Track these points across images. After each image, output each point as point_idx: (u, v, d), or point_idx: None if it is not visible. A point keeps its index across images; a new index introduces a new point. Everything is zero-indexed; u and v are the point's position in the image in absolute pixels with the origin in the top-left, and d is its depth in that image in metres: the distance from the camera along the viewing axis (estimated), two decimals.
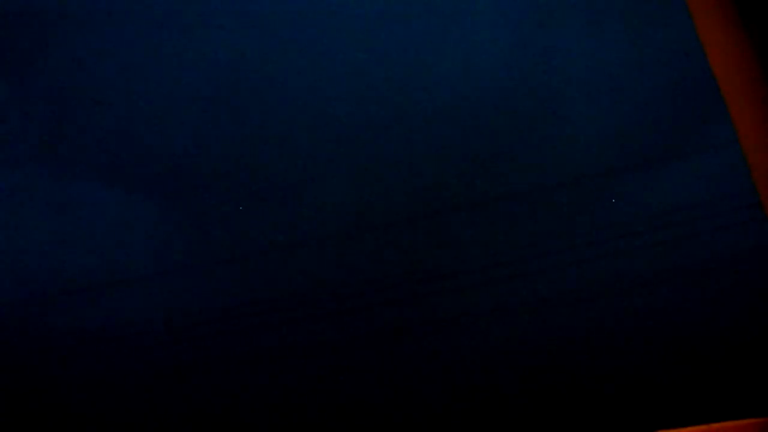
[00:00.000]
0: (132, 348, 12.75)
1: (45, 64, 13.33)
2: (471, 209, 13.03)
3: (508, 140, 13.35)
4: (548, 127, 13.27)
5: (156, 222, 13.82)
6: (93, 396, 12.55)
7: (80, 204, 13.79)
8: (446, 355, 12.07)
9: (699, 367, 10.49)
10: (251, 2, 13.44)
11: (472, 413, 11.39)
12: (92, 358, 12.79)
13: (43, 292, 13.16)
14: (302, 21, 13.52)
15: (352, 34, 13.51)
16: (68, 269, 13.41)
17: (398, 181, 13.53)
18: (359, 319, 12.50)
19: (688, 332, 11.03)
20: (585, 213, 12.38)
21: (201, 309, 12.85)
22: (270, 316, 12.72)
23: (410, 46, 13.46)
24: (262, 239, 13.39)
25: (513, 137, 13.34)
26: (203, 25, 13.46)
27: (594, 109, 13.02)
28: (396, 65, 13.54)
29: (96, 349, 12.84)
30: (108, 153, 13.87)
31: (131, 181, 13.91)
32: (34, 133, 13.69)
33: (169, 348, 12.67)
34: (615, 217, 12.12)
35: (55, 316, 13.05)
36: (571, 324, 11.76)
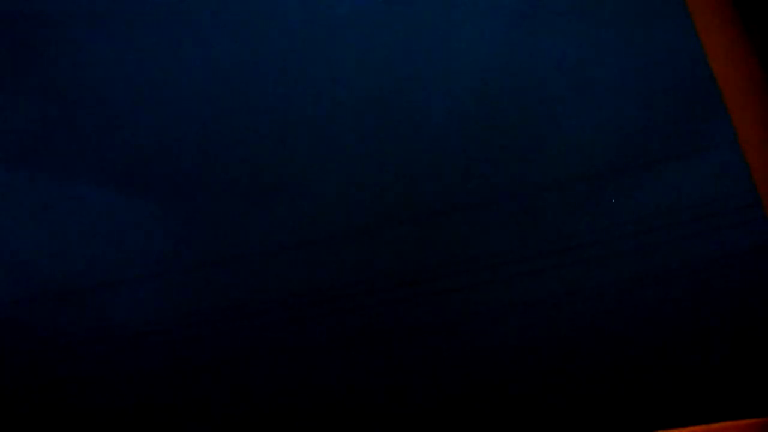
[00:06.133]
0: (131, 348, 12.74)
1: (42, 64, 13.32)
2: (470, 209, 13.02)
3: (507, 140, 13.34)
4: (547, 127, 13.27)
5: (155, 222, 13.82)
6: (93, 396, 12.55)
7: (79, 205, 13.79)
8: (446, 355, 12.06)
9: (699, 367, 10.48)
10: (252, 3, 13.44)
11: (471, 413, 11.38)
12: (92, 358, 12.78)
13: (42, 292, 13.16)
14: (301, 22, 13.51)
15: (351, 36, 13.50)
16: (67, 270, 13.41)
17: (398, 182, 13.53)
18: (359, 319, 12.49)
19: (688, 332, 11.02)
20: (584, 213, 12.38)
21: (201, 309, 12.85)
22: (270, 316, 12.72)
23: (408, 47, 13.46)
24: (262, 239, 13.38)
25: (512, 137, 13.34)
26: (203, 25, 13.45)
27: (593, 108, 13.02)
28: (394, 66, 13.54)
29: (96, 349, 12.84)
30: (107, 153, 13.87)
31: (130, 182, 13.91)
32: (32, 134, 13.68)
33: (168, 348, 12.67)
34: (614, 217, 12.11)
35: (55, 316, 13.05)
36: (571, 324, 11.76)
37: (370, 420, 11.65)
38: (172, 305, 12.87)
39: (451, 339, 12.19)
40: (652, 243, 11.72)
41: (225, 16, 13.46)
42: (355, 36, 13.47)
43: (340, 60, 13.59)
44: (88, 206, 13.79)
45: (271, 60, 13.59)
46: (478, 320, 12.13)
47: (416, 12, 13.31)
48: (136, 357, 12.69)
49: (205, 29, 13.47)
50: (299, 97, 13.73)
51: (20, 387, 12.64)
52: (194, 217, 13.90)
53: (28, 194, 13.70)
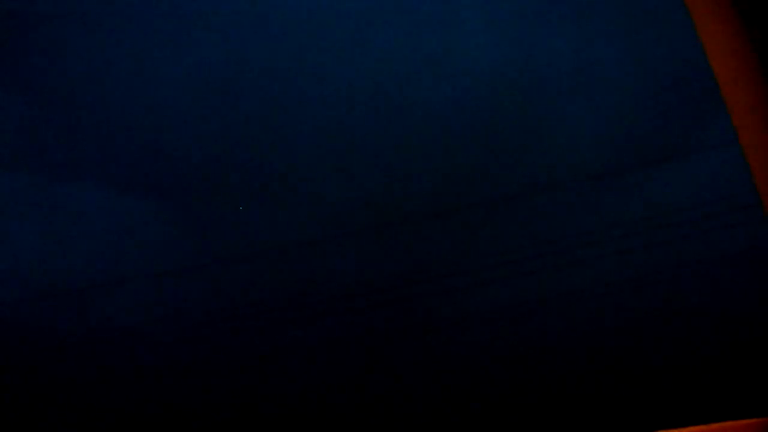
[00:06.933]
0: (131, 348, 12.74)
1: (39, 63, 13.32)
2: (470, 210, 13.03)
3: (506, 140, 13.35)
4: (546, 127, 13.27)
5: (155, 222, 13.82)
6: (92, 396, 12.55)
7: (79, 205, 13.79)
8: (445, 356, 12.07)
9: (699, 367, 10.48)
10: (250, 3, 13.43)
11: (470, 413, 11.38)
12: (91, 358, 12.78)
13: (43, 293, 13.16)
14: (299, 22, 13.51)
15: (350, 33, 13.50)
16: (67, 270, 13.41)
17: (397, 182, 13.53)
18: (358, 320, 12.49)
19: (687, 332, 11.03)
20: (584, 213, 12.38)
21: (201, 310, 12.85)
22: (270, 317, 12.72)
23: (406, 46, 13.46)
24: (263, 239, 13.39)
25: (511, 137, 13.34)
26: (202, 25, 13.45)
27: (593, 108, 13.02)
28: (393, 66, 13.54)
29: (95, 349, 12.83)
30: (106, 153, 13.87)
31: (130, 182, 13.91)
32: (31, 134, 13.68)
33: (169, 349, 12.67)
34: (614, 217, 12.12)
35: (55, 316, 13.05)
36: (569, 324, 11.76)
37: (369, 421, 11.65)
38: (172, 305, 12.87)
39: (451, 339, 12.19)
40: (652, 243, 11.72)
41: (223, 14, 13.46)
42: (355, 33, 13.47)
43: (339, 58, 13.59)
44: (88, 206, 13.80)
45: (271, 58, 13.59)
46: (478, 320, 12.13)
47: (415, 10, 13.31)
48: (135, 357, 12.69)
49: (204, 28, 13.46)
50: (299, 96, 13.74)
51: (20, 387, 12.64)
52: (194, 217, 13.90)
53: (28, 194, 13.70)
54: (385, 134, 13.67)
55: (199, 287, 13.14)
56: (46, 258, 13.49)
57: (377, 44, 13.48)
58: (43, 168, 13.75)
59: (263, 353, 12.49)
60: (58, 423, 12.38)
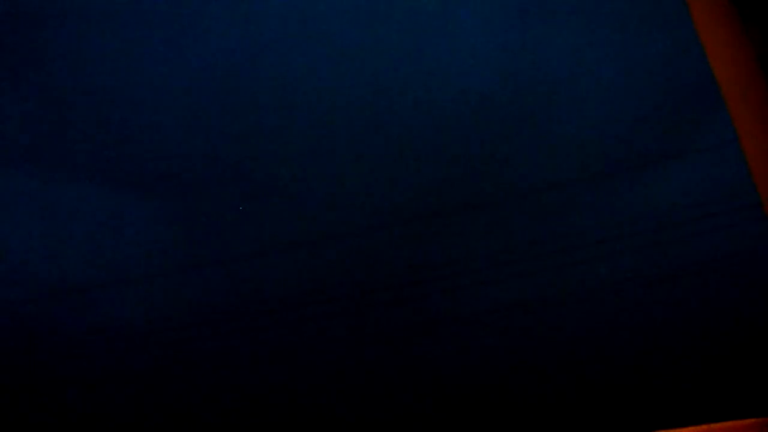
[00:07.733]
0: (129, 348, 12.74)
1: (38, 64, 13.32)
2: (470, 209, 13.03)
3: (507, 140, 13.35)
4: (547, 127, 13.27)
5: (153, 222, 13.82)
6: (91, 396, 12.55)
7: (79, 205, 13.79)
8: (445, 355, 12.06)
9: (699, 367, 10.49)
10: (247, 2, 13.44)
11: (470, 412, 11.38)
12: (91, 359, 12.78)
13: (41, 293, 13.16)
14: (297, 21, 13.52)
15: (351, 35, 13.51)
16: (67, 270, 13.41)
17: (397, 181, 13.53)
18: (358, 320, 12.49)
19: (688, 332, 11.03)
20: (584, 213, 12.38)
21: (199, 309, 12.84)
22: (268, 317, 12.72)
23: (407, 46, 13.46)
24: (261, 239, 13.39)
25: (512, 137, 13.35)
26: (199, 24, 13.46)
27: (593, 109, 13.02)
28: (393, 65, 13.54)
29: (94, 349, 12.83)
30: (107, 154, 13.87)
31: (128, 182, 13.91)
32: (32, 134, 13.69)
33: (166, 348, 12.67)
34: (615, 217, 12.11)
35: (55, 316, 13.05)
36: (571, 324, 11.76)
37: (367, 420, 11.65)
38: (171, 305, 12.87)
39: (450, 339, 12.19)
40: (652, 243, 11.72)
41: (223, 17, 13.46)
42: (356, 34, 13.48)
43: (339, 59, 13.59)
44: (88, 206, 13.80)
45: (271, 59, 13.59)
46: (477, 320, 12.13)
47: (417, 11, 13.32)
48: (135, 356, 12.69)
49: (203, 30, 13.47)
50: (299, 97, 13.74)
51: (20, 387, 12.64)
52: (194, 217, 13.91)
53: (28, 194, 13.70)
54: (386, 136, 13.68)
55: (198, 287, 13.14)
56: (46, 258, 13.49)
57: (379, 46, 13.49)
58: (42, 168, 13.76)
59: (263, 352, 12.49)
60: (58, 423, 12.38)
